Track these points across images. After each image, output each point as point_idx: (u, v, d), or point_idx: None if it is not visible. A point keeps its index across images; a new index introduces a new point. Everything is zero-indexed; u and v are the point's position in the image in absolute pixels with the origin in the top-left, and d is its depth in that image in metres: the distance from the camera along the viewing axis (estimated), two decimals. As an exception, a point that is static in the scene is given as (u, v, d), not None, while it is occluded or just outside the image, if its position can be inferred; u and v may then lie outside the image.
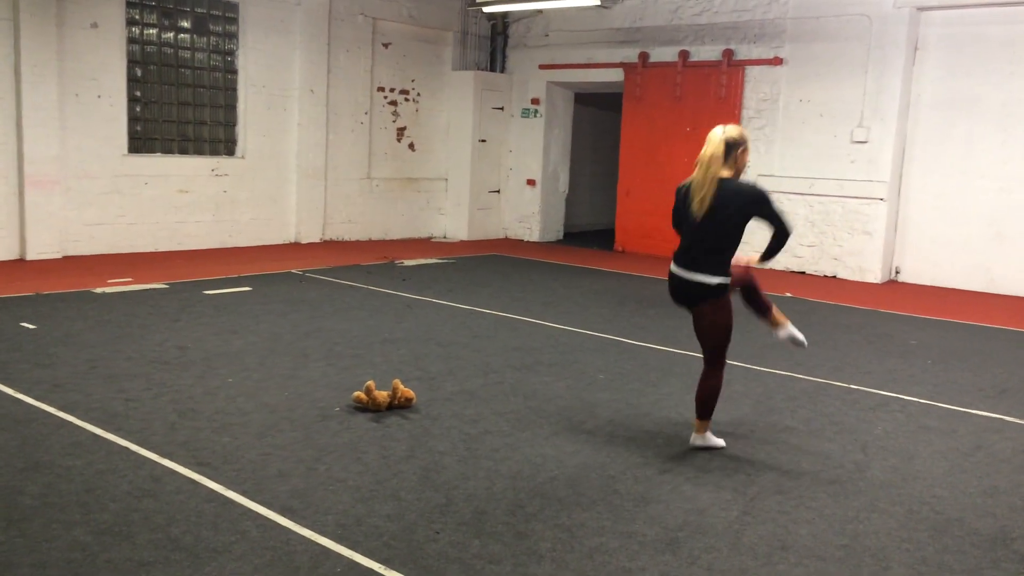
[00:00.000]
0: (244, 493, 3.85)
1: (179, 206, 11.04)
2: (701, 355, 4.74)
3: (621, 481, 4.21)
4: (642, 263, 11.89)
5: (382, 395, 5.07)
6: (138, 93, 10.62)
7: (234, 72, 11.51)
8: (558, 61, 13.78)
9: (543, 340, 7.11)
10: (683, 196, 4.60)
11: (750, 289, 4.77)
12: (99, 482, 3.90)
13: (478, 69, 14.10)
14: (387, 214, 13.47)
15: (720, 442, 4.74)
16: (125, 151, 10.51)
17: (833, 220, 11.38)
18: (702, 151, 4.48)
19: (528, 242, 14.23)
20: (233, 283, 8.90)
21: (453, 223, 14.17)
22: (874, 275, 11.16)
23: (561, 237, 14.82)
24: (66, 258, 9.98)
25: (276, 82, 11.85)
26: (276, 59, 11.81)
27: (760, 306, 4.82)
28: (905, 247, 11.24)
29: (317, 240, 12.53)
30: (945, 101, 10.73)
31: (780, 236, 4.53)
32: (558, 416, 5.16)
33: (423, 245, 13.12)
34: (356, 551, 3.37)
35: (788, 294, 9.85)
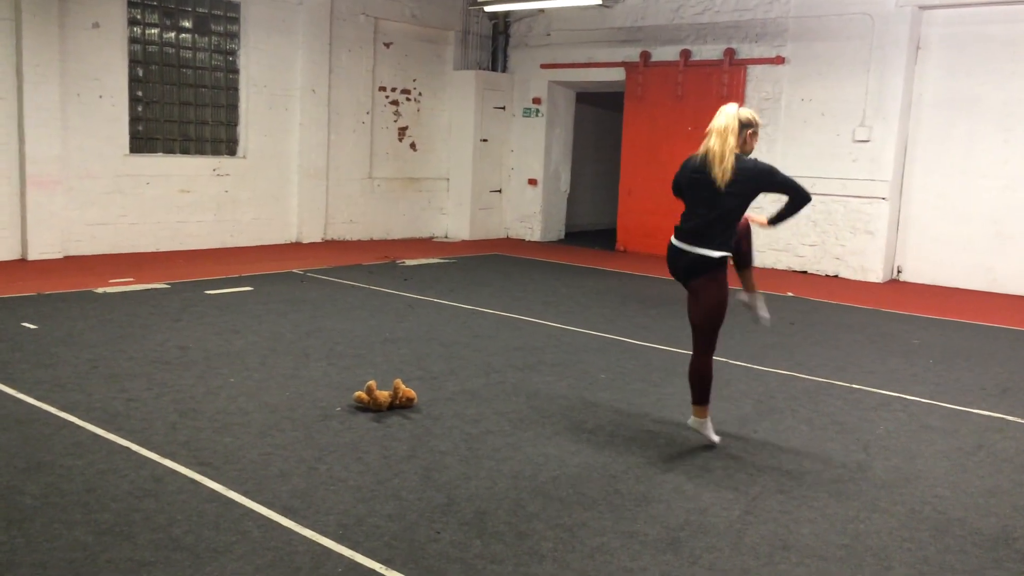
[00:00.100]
0: (245, 493, 3.84)
1: (181, 206, 11.05)
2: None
3: (623, 481, 4.20)
4: (644, 263, 11.88)
5: (383, 395, 5.07)
6: (140, 93, 10.63)
7: (236, 72, 11.51)
8: (559, 60, 13.77)
9: (545, 340, 7.11)
10: (697, 165, 4.53)
11: (740, 239, 4.74)
12: (100, 482, 3.90)
13: (479, 69, 14.09)
14: (389, 214, 13.47)
15: (715, 437, 4.73)
16: (127, 151, 10.51)
17: (835, 219, 11.37)
18: (713, 121, 4.47)
19: (530, 242, 14.22)
20: (234, 283, 8.90)
21: (454, 223, 14.16)
22: (876, 274, 11.15)
23: (563, 237, 14.82)
24: (68, 258, 9.98)
25: (278, 82, 11.86)
26: (278, 59, 11.81)
27: (744, 256, 4.84)
28: (907, 246, 11.23)
29: (319, 240, 12.53)
30: (947, 100, 10.72)
31: (799, 201, 4.54)
32: (560, 416, 5.16)
33: (424, 245, 13.12)
34: (357, 551, 3.37)
35: (790, 294, 9.84)
